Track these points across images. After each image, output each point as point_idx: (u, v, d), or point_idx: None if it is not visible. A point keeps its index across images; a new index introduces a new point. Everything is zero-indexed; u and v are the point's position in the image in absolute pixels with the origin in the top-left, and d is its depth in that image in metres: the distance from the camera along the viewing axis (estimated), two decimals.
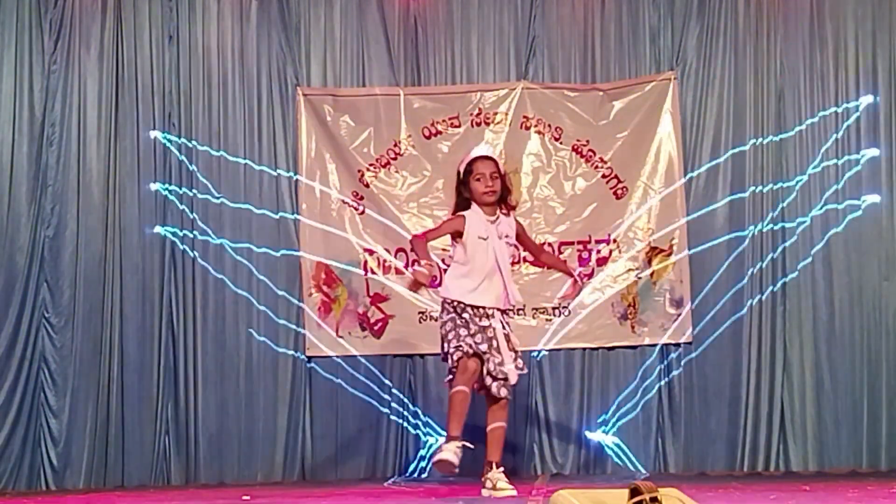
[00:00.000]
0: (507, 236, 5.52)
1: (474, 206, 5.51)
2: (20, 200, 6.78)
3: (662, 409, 6.82)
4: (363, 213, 6.93)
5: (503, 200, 5.57)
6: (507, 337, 5.45)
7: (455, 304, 5.42)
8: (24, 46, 6.86)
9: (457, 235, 5.49)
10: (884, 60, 6.89)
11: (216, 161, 6.94)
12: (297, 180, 6.95)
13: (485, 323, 5.39)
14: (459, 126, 6.96)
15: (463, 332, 5.35)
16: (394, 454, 6.84)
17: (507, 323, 5.56)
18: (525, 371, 5.60)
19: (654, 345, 6.81)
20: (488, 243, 5.44)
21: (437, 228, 5.65)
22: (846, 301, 6.79)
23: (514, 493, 5.18)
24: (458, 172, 5.60)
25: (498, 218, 5.52)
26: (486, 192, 5.46)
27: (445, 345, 5.42)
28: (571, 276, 5.83)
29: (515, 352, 5.49)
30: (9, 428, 6.61)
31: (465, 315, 5.39)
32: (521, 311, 6.77)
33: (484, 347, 5.34)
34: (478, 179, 5.48)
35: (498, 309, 5.46)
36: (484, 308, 5.41)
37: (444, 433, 5.34)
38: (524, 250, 6.12)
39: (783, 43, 6.93)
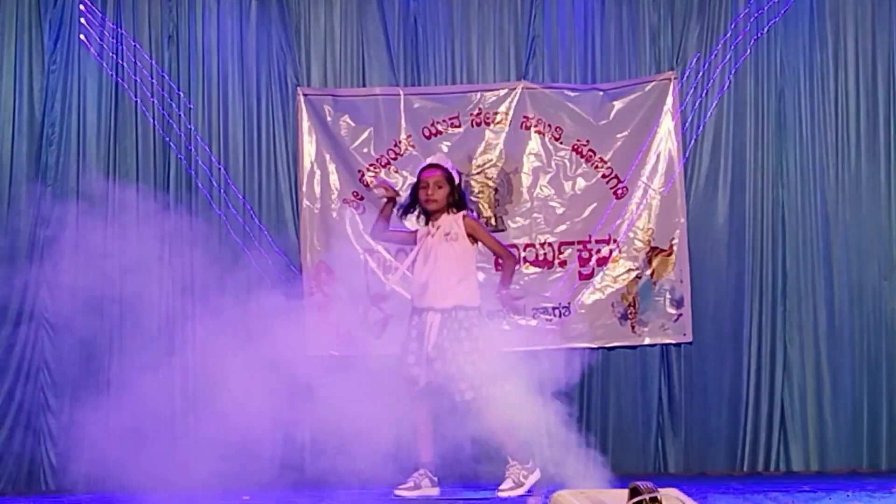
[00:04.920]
0: (447, 234, 5.50)
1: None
2: (20, 200, 6.78)
3: (662, 409, 6.82)
4: (363, 213, 6.93)
5: (456, 206, 5.56)
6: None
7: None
8: (24, 46, 6.85)
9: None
10: (884, 60, 6.90)
11: (216, 161, 6.94)
12: (297, 180, 6.95)
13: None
14: (459, 126, 6.96)
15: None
16: (394, 456, 6.82)
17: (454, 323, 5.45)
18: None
19: (655, 345, 6.82)
20: (423, 243, 5.53)
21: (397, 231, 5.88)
22: (846, 301, 6.79)
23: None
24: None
25: (439, 220, 5.54)
26: (426, 200, 5.54)
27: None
28: (503, 287, 5.57)
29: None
30: (9, 428, 6.61)
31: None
32: (521, 312, 6.77)
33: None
34: (422, 188, 5.58)
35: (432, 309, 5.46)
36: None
37: None
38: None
39: (783, 43, 6.93)
